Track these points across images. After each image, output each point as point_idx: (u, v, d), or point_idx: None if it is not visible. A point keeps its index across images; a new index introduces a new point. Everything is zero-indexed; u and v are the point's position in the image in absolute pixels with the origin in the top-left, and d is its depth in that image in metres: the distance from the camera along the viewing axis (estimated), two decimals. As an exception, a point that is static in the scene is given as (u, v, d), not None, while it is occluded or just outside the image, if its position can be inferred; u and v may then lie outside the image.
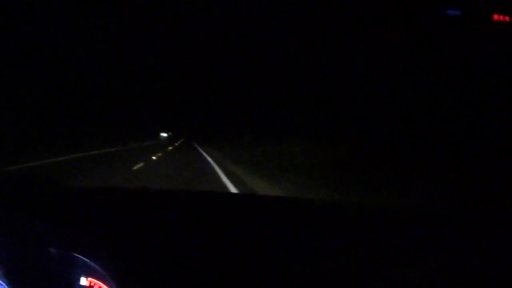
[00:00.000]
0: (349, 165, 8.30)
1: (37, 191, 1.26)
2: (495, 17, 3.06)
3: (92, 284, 0.88)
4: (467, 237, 0.96)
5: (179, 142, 44.64)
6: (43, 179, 1.35)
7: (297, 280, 0.82)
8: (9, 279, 0.87)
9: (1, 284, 0.87)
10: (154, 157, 15.04)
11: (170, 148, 26.76)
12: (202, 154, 19.83)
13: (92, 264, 0.86)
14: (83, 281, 0.89)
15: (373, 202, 1.81)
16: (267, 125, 19.18)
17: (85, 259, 0.87)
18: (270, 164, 10.60)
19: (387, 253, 0.89)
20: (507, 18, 3.03)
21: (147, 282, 0.81)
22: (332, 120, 12.26)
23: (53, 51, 20.58)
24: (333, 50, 11.03)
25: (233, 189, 7.17)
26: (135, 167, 10.06)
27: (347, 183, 6.24)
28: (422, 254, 0.87)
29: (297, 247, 0.92)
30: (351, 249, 0.91)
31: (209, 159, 15.70)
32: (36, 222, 0.98)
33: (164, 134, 53.94)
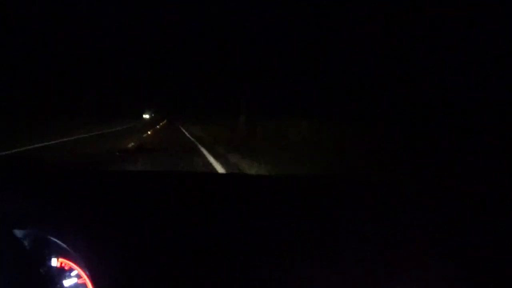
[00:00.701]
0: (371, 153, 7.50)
1: (8, 172, 1.23)
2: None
3: (63, 264, 0.87)
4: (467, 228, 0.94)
5: (161, 123, 40.28)
6: (15, 161, 1.30)
7: (293, 263, 0.79)
8: None
9: None
10: (116, 154, 10.31)
11: (150, 132, 22.00)
12: (189, 139, 16.62)
13: (63, 245, 0.84)
14: (54, 262, 0.87)
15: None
16: (267, 102, 16.90)
17: (55, 240, 0.85)
18: (273, 153, 9.13)
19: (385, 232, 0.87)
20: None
21: (119, 260, 0.79)
22: (348, 98, 11.17)
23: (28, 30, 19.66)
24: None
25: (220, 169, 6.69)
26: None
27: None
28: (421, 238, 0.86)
29: (294, 228, 0.89)
30: (349, 226, 0.89)
31: (202, 149, 13.45)
32: (5, 203, 0.96)
33: (146, 116, 51.61)
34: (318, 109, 12.37)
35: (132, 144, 11.35)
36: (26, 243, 0.88)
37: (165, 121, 51.75)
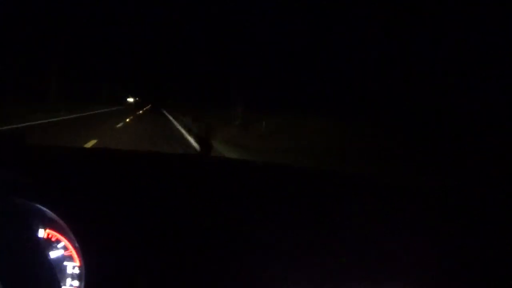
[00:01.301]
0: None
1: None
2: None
3: (50, 236, 0.85)
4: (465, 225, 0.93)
5: (143, 110, 37.28)
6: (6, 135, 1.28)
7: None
8: None
9: None
10: None
11: (128, 120, 18.44)
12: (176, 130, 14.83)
13: (51, 213, 0.82)
14: (41, 232, 0.86)
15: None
16: (271, 93, 15.55)
17: (44, 208, 0.83)
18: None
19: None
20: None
21: (109, 233, 0.79)
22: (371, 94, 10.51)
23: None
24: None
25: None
26: None
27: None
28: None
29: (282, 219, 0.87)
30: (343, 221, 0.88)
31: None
32: None
33: (130, 100, 50.23)
34: (317, 108, 12.22)
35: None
36: (12, 213, 0.84)
37: (149, 105, 50.27)
